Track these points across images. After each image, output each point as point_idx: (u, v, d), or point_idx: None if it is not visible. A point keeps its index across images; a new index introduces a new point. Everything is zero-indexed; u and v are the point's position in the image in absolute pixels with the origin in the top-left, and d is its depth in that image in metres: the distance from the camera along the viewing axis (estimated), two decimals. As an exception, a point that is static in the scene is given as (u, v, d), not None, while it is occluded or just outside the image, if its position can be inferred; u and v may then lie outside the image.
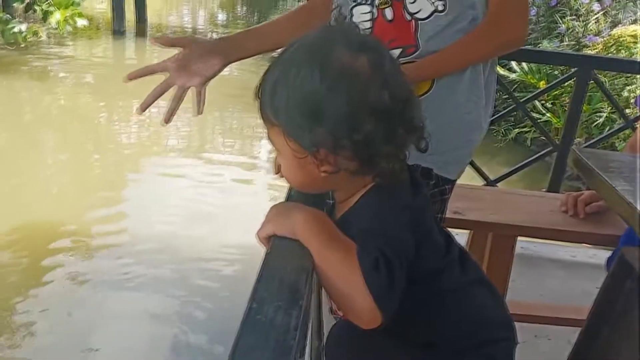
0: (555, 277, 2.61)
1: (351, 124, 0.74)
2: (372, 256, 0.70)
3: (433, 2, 1.17)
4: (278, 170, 0.84)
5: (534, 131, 5.65)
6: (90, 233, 4.23)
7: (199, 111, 1.36)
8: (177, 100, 1.33)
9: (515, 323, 1.96)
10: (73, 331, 3.08)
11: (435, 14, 1.17)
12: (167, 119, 1.35)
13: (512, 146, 6.02)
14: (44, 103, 7.28)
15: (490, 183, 2.71)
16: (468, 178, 2.80)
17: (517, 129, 5.96)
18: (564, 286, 2.51)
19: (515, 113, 3.46)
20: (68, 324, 3.14)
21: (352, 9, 1.23)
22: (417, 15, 1.18)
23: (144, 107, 1.34)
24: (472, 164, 2.65)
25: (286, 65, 0.78)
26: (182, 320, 3.25)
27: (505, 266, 1.79)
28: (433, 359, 0.88)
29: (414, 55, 1.19)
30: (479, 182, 2.75)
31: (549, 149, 2.65)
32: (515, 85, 6.01)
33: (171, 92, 1.35)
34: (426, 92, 1.21)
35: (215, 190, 5.24)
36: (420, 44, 1.19)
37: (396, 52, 1.19)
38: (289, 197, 0.86)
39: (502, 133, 6.01)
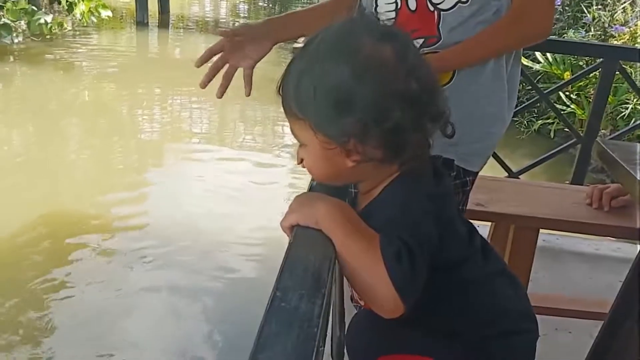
0: (578, 270, 2.59)
1: (380, 112, 0.75)
2: (395, 247, 0.70)
3: None
4: (300, 162, 0.85)
5: (558, 123, 5.58)
6: (114, 216, 4.34)
7: (248, 93, 1.43)
8: (228, 78, 1.40)
9: (537, 316, 1.97)
10: (99, 308, 3.16)
11: (459, 4, 1.16)
12: (220, 94, 1.40)
13: (535, 138, 5.95)
14: (69, 93, 7.39)
15: (512, 175, 2.69)
16: (490, 170, 2.79)
17: (541, 121, 5.89)
18: (587, 279, 2.49)
19: (538, 104, 3.42)
20: (93, 301, 3.23)
21: None
22: (440, 6, 1.17)
23: (205, 83, 1.42)
24: (494, 155, 2.63)
25: (311, 58, 0.78)
26: (205, 298, 3.33)
27: (527, 259, 1.78)
28: (453, 349, 0.88)
29: (436, 45, 1.19)
30: (501, 174, 2.74)
31: (572, 141, 2.62)
32: (539, 77, 5.93)
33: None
34: (447, 83, 1.21)
35: (238, 175, 5.30)
36: (442, 34, 1.18)
37: (418, 42, 1.19)
38: (311, 188, 0.87)
39: (525, 125, 5.94)
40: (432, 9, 1.18)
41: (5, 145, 5.77)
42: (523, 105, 2.83)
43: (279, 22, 1.44)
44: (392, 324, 0.76)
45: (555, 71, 5.84)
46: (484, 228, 2.09)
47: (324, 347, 0.62)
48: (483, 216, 1.76)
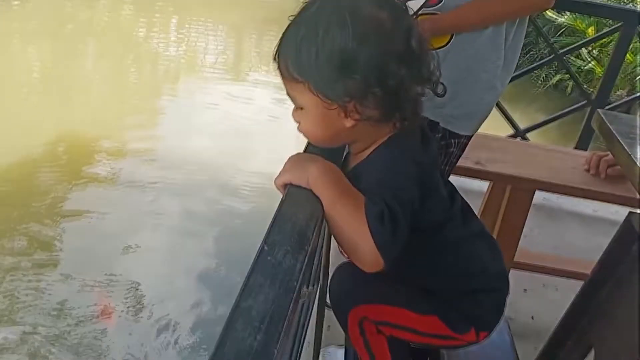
0: (573, 231, 2.65)
1: (380, 72, 0.79)
2: (378, 208, 0.76)
3: None
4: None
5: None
6: (126, 139, 4.49)
7: None
8: None
9: (526, 272, 2.03)
10: (111, 230, 3.33)
11: None
12: None
13: (552, 93, 5.91)
14: (86, 15, 7.34)
15: (518, 133, 2.71)
16: (498, 126, 2.81)
17: (559, 75, 5.82)
18: (582, 240, 2.55)
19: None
20: (105, 223, 3.39)
21: None
22: None
23: None
24: (503, 112, 2.65)
25: (311, 23, 0.81)
26: (208, 222, 3.49)
27: (520, 219, 1.84)
28: (426, 302, 0.95)
29: (437, 7, 1.21)
30: (509, 130, 2.76)
31: (582, 103, 2.62)
32: (563, 30, 5.80)
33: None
34: (444, 46, 1.23)
35: (253, 107, 5.35)
36: None
37: (418, 2, 1.20)
38: (306, 149, 0.92)
39: (543, 78, 5.88)
40: None
41: (23, 64, 5.83)
42: (539, 62, 2.82)
43: None
44: (370, 277, 0.82)
45: (579, 25, 5.72)
46: (483, 185, 2.15)
47: (304, 296, 0.69)
48: (481, 175, 1.81)
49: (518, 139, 2.68)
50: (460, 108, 1.29)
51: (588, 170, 1.85)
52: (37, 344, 2.51)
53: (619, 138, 1.33)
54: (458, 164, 1.68)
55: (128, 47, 6.70)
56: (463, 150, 1.44)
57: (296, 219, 0.74)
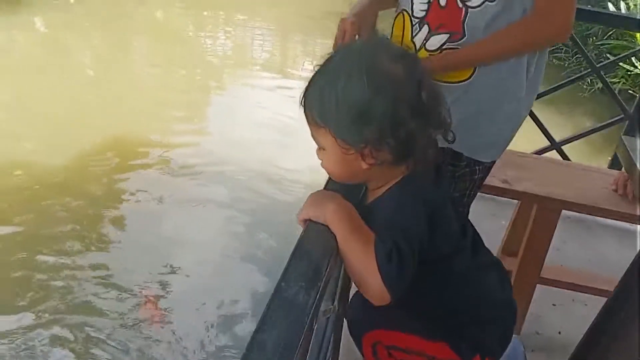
0: (607, 244, 2.65)
1: (395, 122, 0.87)
2: (387, 247, 0.84)
3: None
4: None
5: (624, 82, 5.40)
6: (173, 131, 4.72)
7: None
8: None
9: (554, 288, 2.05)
10: (154, 213, 3.63)
11: (486, 3, 1.21)
12: None
13: (598, 96, 5.78)
14: (138, 11, 7.59)
15: (554, 146, 2.72)
16: (532, 139, 2.82)
17: (607, 79, 5.69)
18: (615, 254, 2.55)
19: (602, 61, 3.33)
20: (149, 207, 3.68)
21: None
22: (469, 4, 1.22)
23: None
24: (538, 124, 2.67)
25: (333, 74, 0.90)
26: (247, 212, 3.69)
27: (546, 237, 1.87)
28: (437, 327, 1.03)
29: (460, 42, 1.25)
30: (544, 143, 2.77)
31: (618, 117, 2.61)
32: (612, 32, 5.68)
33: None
34: (467, 79, 1.28)
35: (295, 104, 5.47)
36: (466, 31, 1.24)
37: (443, 37, 1.26)
38: (327, 184, 1.01)
39: (588, 82, 5.77)
40: (460, 5, 1.23)
41: (78, 59, 6.11)
42: (576, 75, 2.81)
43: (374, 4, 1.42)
44: (383, 304, 0.90)
45: (629, 28, 5.57)
46: (511, 205, 2.19)
47: (314, 326, 0.79)
48: (508, 193, 1.85)
49: (553, 151, 2.70)
50: (483, 138, 1.34)
51: (616, 191, 1.87)
52: (85, 340, 2.66)
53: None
54: (485, 182, 1.74)
55: (177, 43, 6.92)
56: (488, 172, 1.48)
57: (311, 255, 0.84)
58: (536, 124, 2.65)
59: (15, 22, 6.45)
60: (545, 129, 2.69)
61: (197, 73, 6.35)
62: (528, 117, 2.61)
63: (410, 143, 0.88)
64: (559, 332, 2.18)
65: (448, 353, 1.03)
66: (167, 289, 3.02)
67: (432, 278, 0.96)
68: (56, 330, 2.67)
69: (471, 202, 1.49)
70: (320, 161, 0.97)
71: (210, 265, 3.25)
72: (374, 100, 0.86)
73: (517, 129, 1.39)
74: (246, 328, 2.77)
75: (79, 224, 3.47)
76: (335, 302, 1.02)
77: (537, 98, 2.67)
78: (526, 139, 2.92)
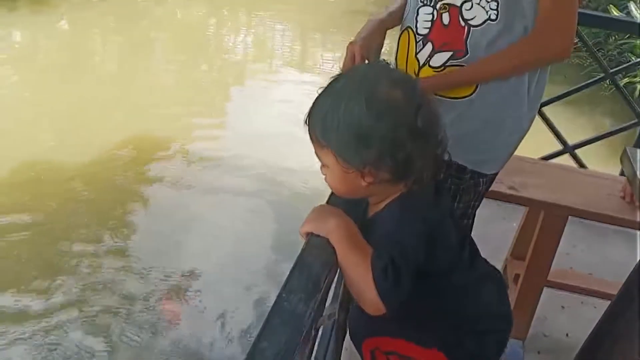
0: (617, 249, 2.66)
1: (393, 146, 0.92)
2: (383, 262, 0.89)
3: (487, 11, 1.25)
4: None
5: (645, 82, 5.35)
6: (194, 125, 4.92)
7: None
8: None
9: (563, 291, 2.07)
10: (175, 201, 3.81)
11: (488, 22, 1.25)
12: None
13: (619, 95, 5.72)
14: (159, 10, 7.70)
15: (567, 149, 2.74)
16: (547, 142, 2.84)
17: (627, 78, 5.64)
18: (624, 258, 2.55)
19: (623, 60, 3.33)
20: (171, 195, 3.86)
21: (418, 9, 1.35)
22: (471, 22, 1.26)
23: None
24: (551, 127, 2.69)
25: (335, 97, 0.95)
26: (264, 202, 3.85)
27: (552, 243, 1.90)
28: (434, 335, 1.08)
29: (462, 59, 1.29)
30: (557, 147, 2.78)
31: (633, 122, 2.62)
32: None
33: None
34: (470, 94, 1.32)
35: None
36: (469, 49, 1.28)
37: (446, 55, 1.30)
38: (330, 198, 1.06)
39: (609, 81, 5.70)
40: (463, 24, 1.27)
41: (98, 55, 6.24)
42: (590, 81, 2.82)
43: (382, 26, 1.46)
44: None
45: (651, 26, 5.51)
46: (523, 208, 2.22)
47: (310, 335, 0.85)
48: (515, 199, 1.88)
49: (566, 156, 2.71)
50: (486, 153, 1.38)
51: (624, 198, 1.89)
52: (108, 322, 2.80)
53: None
54: (492, 188, 1.76)
55: (198, 40, 7.03)
56: (491, 184, 1.52)
57: (311, 268, 0.89)
58: (549, 127, 2.68)
59: (39, 20, 6.62)
60: (558, 133, 2.71)
61: (217, 69, 6.47)
62: (542, 121, 2.64)
63: (408, 164, 0.93)
64: (567, 335, 2.21)
65: None
66: (189, 277, 3.15)
67: (430, 290, 1.01)
68: (81, 312, 2.83)
69: (475, 213, 1.53)
70: (323, 177, 1.02)
71: (229, 253, 3.38)
72: (373, 125, 0.91)
73: (519, 142, 1.43)
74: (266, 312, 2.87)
75: (103, 212, 3.65)
76: (336, 311, 1.08)
77: (556, 100, 2.70)
78: (539, 143, 2.95)
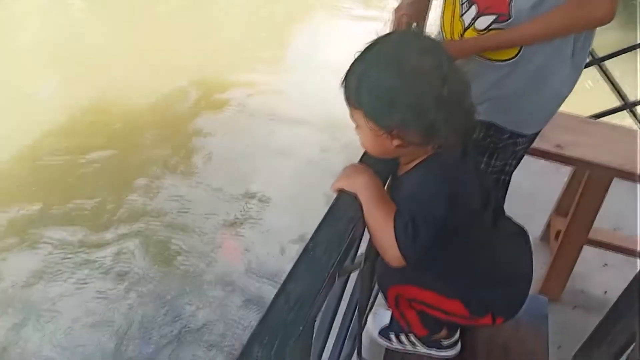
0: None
1: (418, 113, 0.97)
2: (404, 220, 0.98)
3: None
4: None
5: None
6: (255, 71, 4.98)
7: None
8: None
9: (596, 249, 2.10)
10: (235, 150, 3.95)
11: None
12: None
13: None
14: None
15: (627, 105, 2.67)
16: (605, 95, 2.76)
17: None
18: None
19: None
20: (231, 145, 4.02)
21: None
22: None
23: None
24: (611, 82, 2.62)
25: (368, 63, 1.01)
26: (323, 153, 3.93)
27: (595, 203, 1.91)
28: (454, 286, 1.17)
29: (506, 23, 1.30)
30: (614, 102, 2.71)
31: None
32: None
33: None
34: (512, 58, 1.34)
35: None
36: (512, 13, 1.29)
37: (490, 18, 1.32)
38: (363, 157, 1.15)
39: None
40: None
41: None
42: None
43: None
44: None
45: None
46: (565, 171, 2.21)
47: (334, 282, 0.96)
48: (559, 159, 1.89)
49: (624, 112, 2.65)
50: (527, 113, 1.41)
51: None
52: (168, 251, 3.02)
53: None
54: (537, 146, 1.77)
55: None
56: (530, 144, 1.55)
57: (338, 224, 1.00)
58: (609, 81, 2.61)
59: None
60: (619, 88, 2.64)
61: (280, 11, 6.49)
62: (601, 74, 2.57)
63: (433, 130, 0.99)
64: (605, 292, 2.24)
65: (461, 309, 1.18)
66: (244, 219, 3.31)
67: (451, 245, 1.08)
68: (144, 242, 3.08)
69: (513, 171, 1.57)
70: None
71: (285, 200, 3.49)
72: (400, 91, 0.97)
73: (561, 104, 1.44)
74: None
75: (166, 151, 3.84)
76: (362, 260, 1.18)
77: (621, 53, 2.60)
78: (598, 97, 2.87)
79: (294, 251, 2.98)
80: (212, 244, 3.08)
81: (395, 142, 1.02)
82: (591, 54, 2.57)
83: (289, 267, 0.90)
